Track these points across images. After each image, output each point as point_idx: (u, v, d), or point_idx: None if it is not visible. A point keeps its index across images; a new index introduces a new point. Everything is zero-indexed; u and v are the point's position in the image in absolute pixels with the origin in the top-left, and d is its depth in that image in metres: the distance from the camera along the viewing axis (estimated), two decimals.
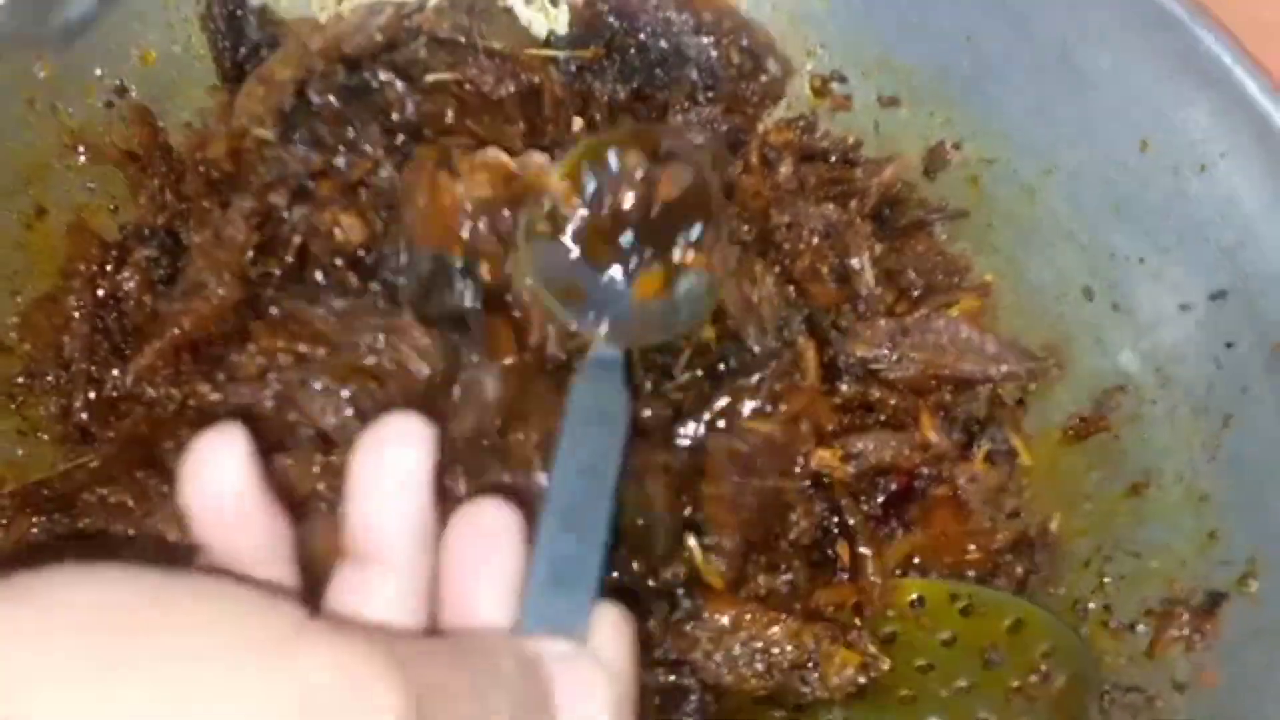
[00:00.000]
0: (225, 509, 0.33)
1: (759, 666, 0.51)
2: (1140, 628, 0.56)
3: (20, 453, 0.56)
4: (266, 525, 0.34)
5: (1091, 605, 0.57)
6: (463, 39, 0.59)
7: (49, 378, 0.57)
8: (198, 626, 0.27)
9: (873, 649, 0.51)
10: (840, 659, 0.51)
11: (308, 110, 0.57)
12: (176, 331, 0.53)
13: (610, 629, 0.37)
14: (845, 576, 0.54)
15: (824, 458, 0.54)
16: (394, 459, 0.34)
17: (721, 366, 0.55)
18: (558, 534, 0.38)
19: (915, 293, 0.60)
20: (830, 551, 0.55)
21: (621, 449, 0.42)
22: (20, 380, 0.58)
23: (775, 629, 0.51)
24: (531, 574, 0.37)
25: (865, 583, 0.53)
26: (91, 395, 0.57)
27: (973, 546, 0.56)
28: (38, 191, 0.58)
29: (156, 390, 0.54)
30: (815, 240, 0.57)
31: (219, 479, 0.33)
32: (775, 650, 0.51)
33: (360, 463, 0.35)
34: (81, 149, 0.59)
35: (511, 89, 0.58)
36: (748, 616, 0.51)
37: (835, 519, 0.55)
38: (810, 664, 0.51)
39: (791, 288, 0.57)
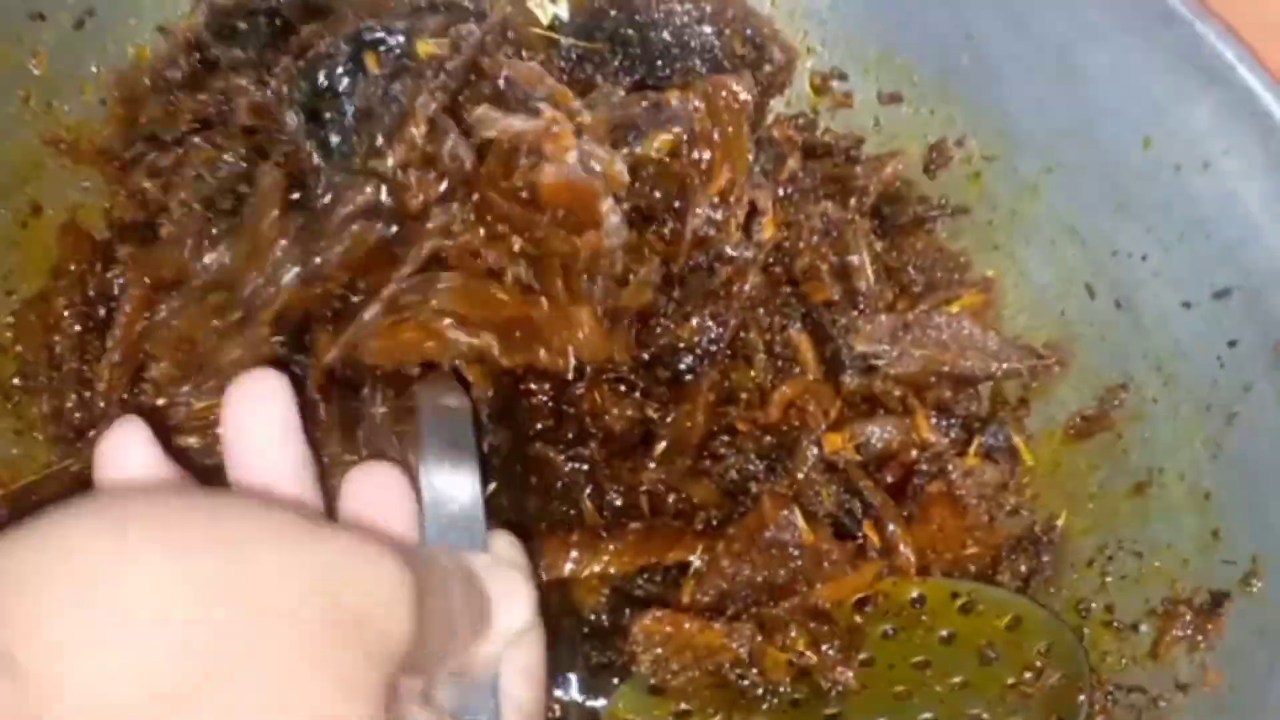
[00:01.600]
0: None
1: (693, 673, 0.51)
2: (1143, 628, 0.55)
3: (15, 452, 0.56)
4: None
5: (1094, 605, 0.57)
6: (469, 5, 0.59)
7: (41, 378, 0.57)
8: (243, 517, 0.30)
9: (800, 646, 0.51)
10: (771, 659, 0.51)
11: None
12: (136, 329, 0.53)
13: (509, 547, 0.41)
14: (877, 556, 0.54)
15: (834, 441, 0.54)
16: (261, 414, 0.38)
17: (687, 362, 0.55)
18: (441, 494, 0.41)
19: (916, 289, 0.60)
20: (859, 534, 0.55)
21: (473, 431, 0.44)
22: (16, 381, 0.57)
23: (701, 637, 0.51)
24: (425, 519, 0.40)
25: (902, 560, 0.53)
26: (87, 394, 0.56)
27: (971, 542, 0.56)
28: (33, 190, 0.58)
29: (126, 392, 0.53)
30: (815, 238, 0.57)
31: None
32: (705, 657, 0.51)
33: (230, 421, 0.38)
34: (62, 146, 0.59)
35: (509, 54, 0.57)
36: (667, 628, 0.51)
37: (858, 501, 0.55)
38: (748, 662, 0.51)
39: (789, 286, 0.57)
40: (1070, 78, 0.58)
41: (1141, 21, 0.55)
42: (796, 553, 0.51)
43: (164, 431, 0.48)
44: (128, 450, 0.37)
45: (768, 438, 0.55)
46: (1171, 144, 0.56)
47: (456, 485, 0.41)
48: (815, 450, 0.54)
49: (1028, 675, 0.53)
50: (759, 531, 0.51)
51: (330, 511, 0.40)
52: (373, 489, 0.39)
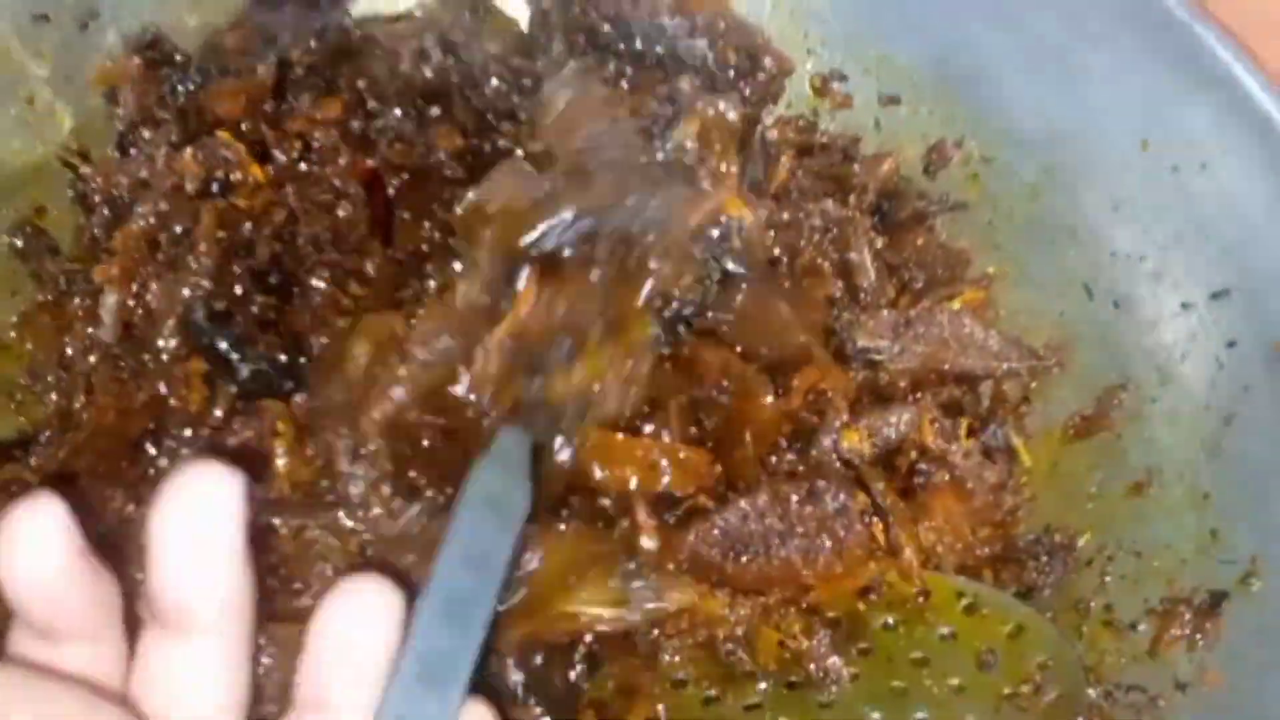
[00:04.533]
0: (47, 585, 0.31)
1: (686, 640, 0.50)
2: (1142, 627, 0.55)
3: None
4: (90, 593, 0.32)
5: (1093, 604, 0.57)
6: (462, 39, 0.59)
7: (50, 378, 0.57)
8: None
9: (795, 630, 0.51)
10: (764, 640, 0.51)
11: None
12: None
13: None
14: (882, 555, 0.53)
15: (852, 438, 0.53)
16: (197, 515, 0.31)
17: None
18: (434, 626, 0.35)
19: (917, 286, 0.60)
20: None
21: (515, 543, 0.39)
22: (22, 380, 0.57)
23: (702, 604, 0.50)
24: (399, 668, 0.34)
25: (905, 563, 0.53)
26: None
27: (980, 527, 0.55)
28: (37, 191, 0.58)
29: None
30: (815, 236, 0.57)
31: (38, 558, 0.30)
32: (701, 625, 0.50)
33: (161, 515, 0.31)
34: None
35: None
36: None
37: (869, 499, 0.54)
38: (741, 640, 0.51)
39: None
40: (1069, 79, 0.58)
41: (1139, 23, 0.55)
42: (824, 533, 0.50)
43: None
44: (41, 545, 0.31)
45: (786, 426, 0.55)
46: (1170, 145, 0.56)
47: (452, 647, 0.35)
48: (833, 440, 0.53)
49: (1025, 688, 0.53)
50: (812, 492, 0.50)
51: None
52: (348, 618, 0.33)
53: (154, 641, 0.34)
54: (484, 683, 0.36)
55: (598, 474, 0.49)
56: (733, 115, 0.53)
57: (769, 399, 0.52)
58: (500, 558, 0.38)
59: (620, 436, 0.51)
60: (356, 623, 0.33)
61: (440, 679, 0.34)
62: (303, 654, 0.34)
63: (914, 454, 0.56)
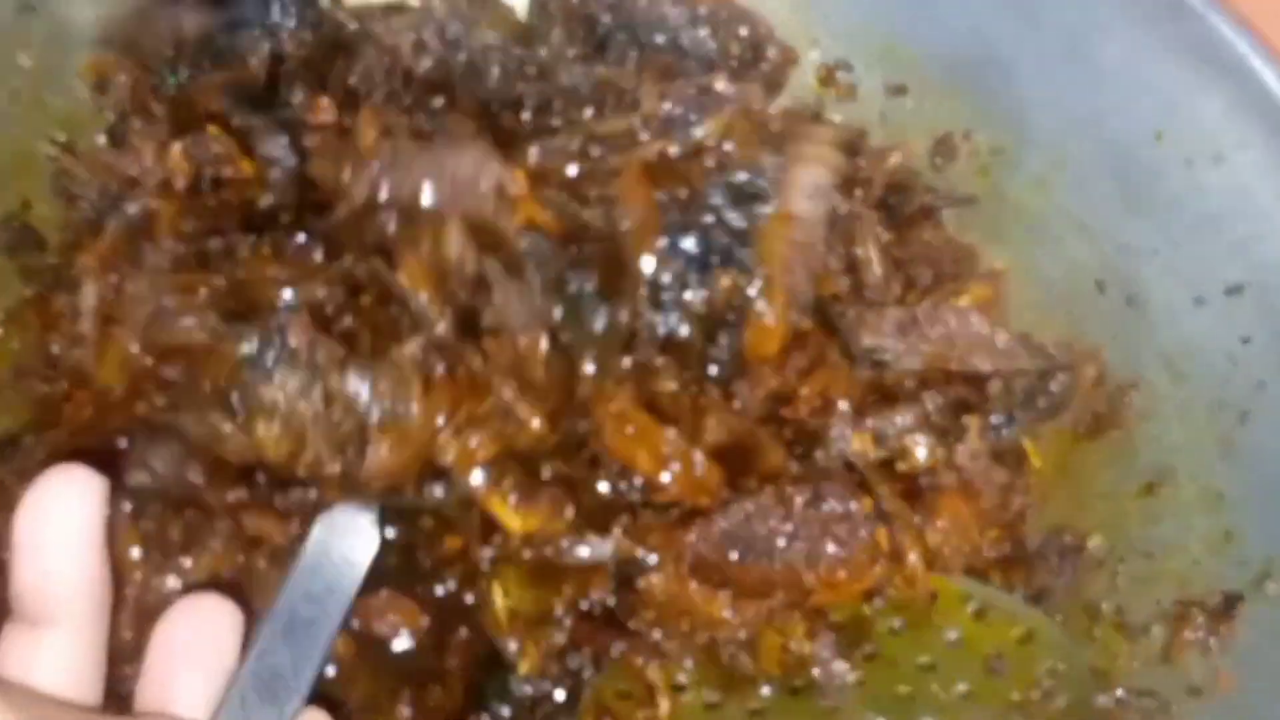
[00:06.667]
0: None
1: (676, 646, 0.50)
2: (1155, 630, 0.55)
3: None
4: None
5: (1105, 607, 0.56)
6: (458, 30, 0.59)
7: (36, 376, 0.56)
8: None
9: (799, 634, 0.50)
10: (767, 643, 0.50)
11: None
12: None
13: None
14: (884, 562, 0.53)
15: (857, 445, 0.53)
16: (60, 513, 0.35)
17: None
18: (274, 645, 0.39)
19: (925, 282, 0.59)
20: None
21: (356, 589, 0.42)
22: (7, 379, 0.56)
23: (705, 607, 0.49)
24: (238, 678, 0.38)
25: (910, 570, 0.52)
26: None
27: (990, 528, 0.55)
28: (23, 185, 0.57)
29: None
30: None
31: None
32: (703, 628, 0.50)
33: (25, 514, 0.35)
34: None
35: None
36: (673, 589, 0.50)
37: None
38: (743, 643, 0.50)
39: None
40: (1080, 71, 0.57)
41: (1152, 13, 0.55)
42: (828, 536, 0.50)
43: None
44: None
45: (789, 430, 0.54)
46: (1183, 138, 0.56)
47: (291, 667, 0.39)
48: (843, 446, 0.52)
49: (1034, 694, 0.52)
50: (818, 495, 0.50)
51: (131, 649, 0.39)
52: (191, 626, 0.38)
53: (13, 633, 0.36)
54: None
55: (610, 438, 0.49)
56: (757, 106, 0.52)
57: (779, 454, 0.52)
58: (341, 599, 0.42)
59: (651, 419, 0.50)
60: (197, 633, 0.37)
61: (276, 694, 0.38)
62: (145, 660, 0.37)
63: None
